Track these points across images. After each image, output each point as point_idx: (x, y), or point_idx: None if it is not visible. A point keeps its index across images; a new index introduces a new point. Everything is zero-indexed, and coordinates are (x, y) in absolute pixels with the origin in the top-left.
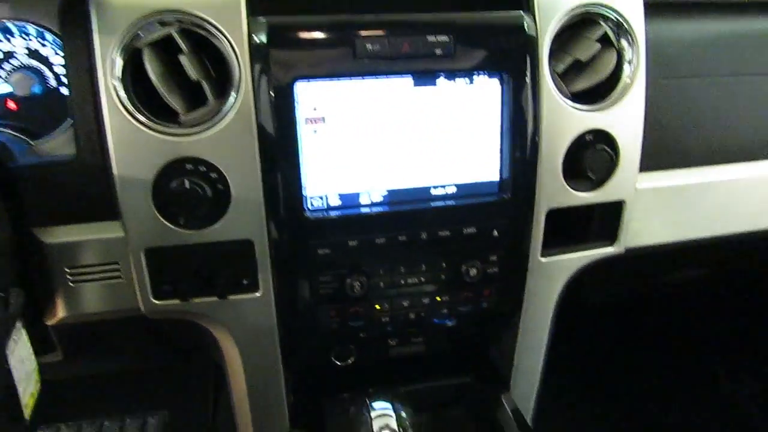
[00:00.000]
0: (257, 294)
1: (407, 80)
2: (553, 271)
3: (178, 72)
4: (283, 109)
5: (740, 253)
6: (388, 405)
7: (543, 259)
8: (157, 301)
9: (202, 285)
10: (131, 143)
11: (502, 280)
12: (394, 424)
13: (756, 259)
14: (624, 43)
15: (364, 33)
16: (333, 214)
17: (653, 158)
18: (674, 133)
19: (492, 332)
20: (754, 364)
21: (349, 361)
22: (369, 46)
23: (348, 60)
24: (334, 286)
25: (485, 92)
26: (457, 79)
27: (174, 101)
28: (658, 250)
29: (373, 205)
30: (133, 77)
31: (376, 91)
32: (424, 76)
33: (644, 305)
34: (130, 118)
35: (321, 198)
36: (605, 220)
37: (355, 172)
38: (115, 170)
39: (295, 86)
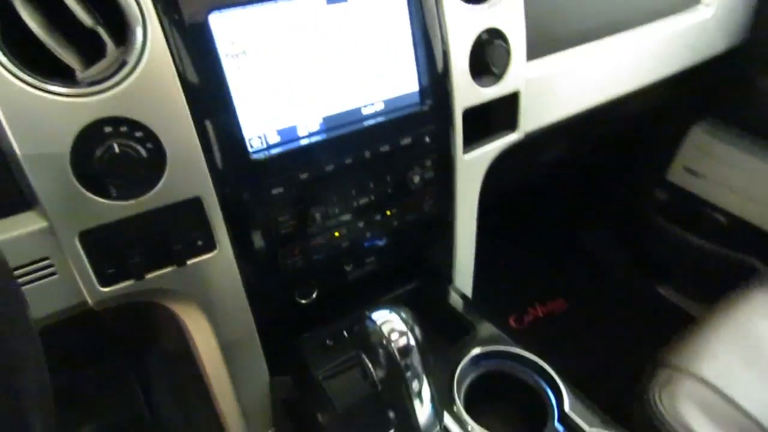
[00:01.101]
0: (215, 252)
1: (319, 1)
2: (474, 166)
3: (62, 23)
4: (202, 47)
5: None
6: (386, 311)
7: (466, 156)
8: (105, 289)
9: (154, 257)
10: (30, 114)
11: (437, 182)
12: (401, 325)
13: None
14: None
15: None
16: (276, 151)
17: (531, 48)
18: (544, 22)
19: (433, 235)
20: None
21: (313, 296)
22: None
23: None
24: (293, 224)
25: (393, 3)
26: None
27: (68, 56)
28: (547, 130)
29: (311, 135)
30: (7, 35)
31: (290, 15)
32: None
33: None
34: (20, 83)
35: (260, 138)
36: (506, 111)
37: (288, 104)
38: (17, 150)
39: (209, 18)
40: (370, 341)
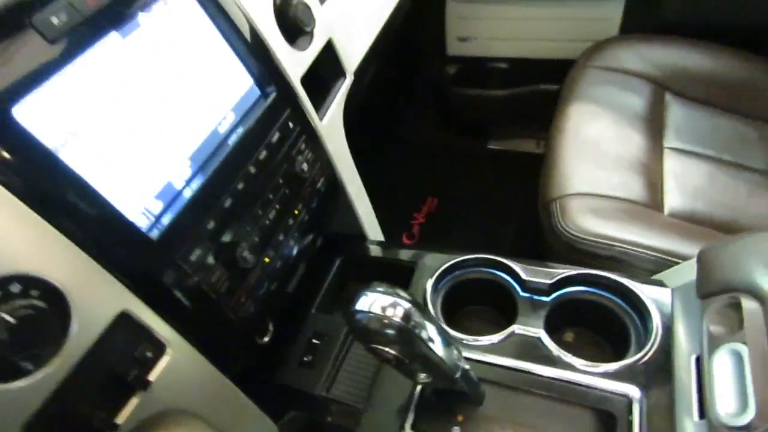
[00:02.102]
0: (169, 352)
1: (114, 37)
2: (334, 124)
3: None
4: (28, 154)
5: None
6: (362, 296)
7: (324, 122)
8: None
9: (114, 399)
10: None
11: (317, 158)
12: (386, 297)
13: None
14: None
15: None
16: (167, 218)
17: None
18: None
19: (334, 206)
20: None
21: (270, 330)
22: (54, 19)
23: (41, 50)
24: (226, 275)
25: (186, 8)
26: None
27: None
28: (364, 61)
29: (190, 181)
30: None
31: (93, 70)
32: (121, 20)
33: None
34: None
35: (145, 214)
36: (331, 61)
37: (148, 164)
38: None
39: (13, 112)
40: (374, 328)
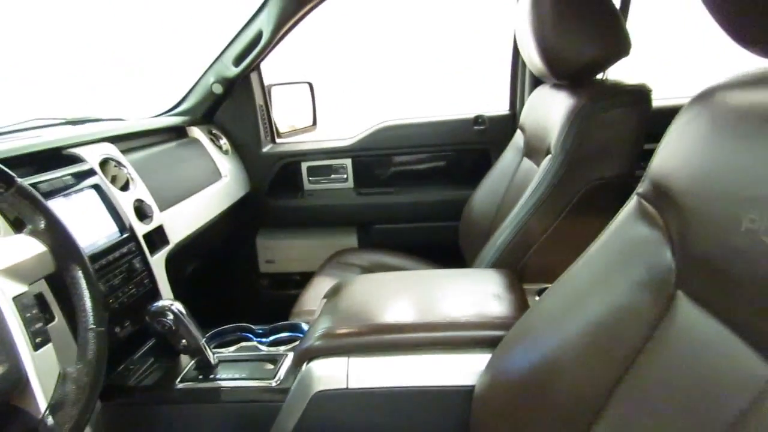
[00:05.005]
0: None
1: None
2: (158, 267)
3: None
4: None
5: None
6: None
7: (154, 257)
8: None
9: None
10: None
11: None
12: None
13: None
14: None
15: None
16: None
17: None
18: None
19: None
20: None
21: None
22: None
23: None
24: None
25: (87, 199)
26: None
27: None
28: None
29: None
30: None
31: None
32: None
33: None
34: None
35: None
36: (158, 235)
37: None
38: None
39: None
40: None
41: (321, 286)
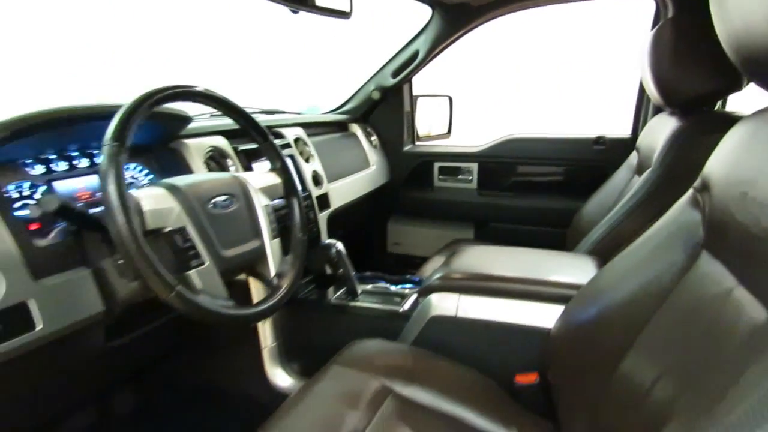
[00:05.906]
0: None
1: None
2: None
3: None
4: None
5: None
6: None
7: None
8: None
9: None
10: None
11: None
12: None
13: None
14: None
15: None
16: None
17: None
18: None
19: None
20: None
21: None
22: None
23: None
24: None
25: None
26: None
27: None
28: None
29: None
30: None
31: None
32: None
33: None
34: None
35: None
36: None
37: None
38: None
39: None
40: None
41: (436, 264)
